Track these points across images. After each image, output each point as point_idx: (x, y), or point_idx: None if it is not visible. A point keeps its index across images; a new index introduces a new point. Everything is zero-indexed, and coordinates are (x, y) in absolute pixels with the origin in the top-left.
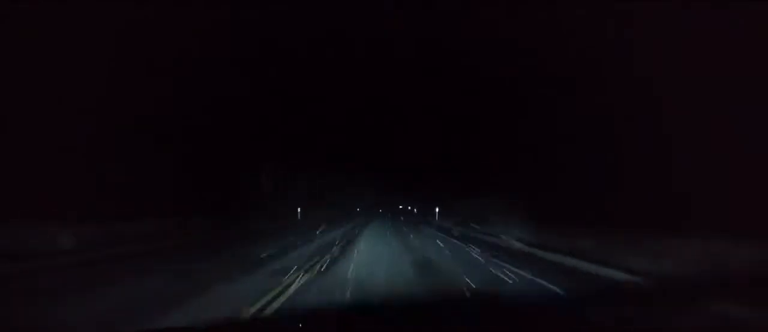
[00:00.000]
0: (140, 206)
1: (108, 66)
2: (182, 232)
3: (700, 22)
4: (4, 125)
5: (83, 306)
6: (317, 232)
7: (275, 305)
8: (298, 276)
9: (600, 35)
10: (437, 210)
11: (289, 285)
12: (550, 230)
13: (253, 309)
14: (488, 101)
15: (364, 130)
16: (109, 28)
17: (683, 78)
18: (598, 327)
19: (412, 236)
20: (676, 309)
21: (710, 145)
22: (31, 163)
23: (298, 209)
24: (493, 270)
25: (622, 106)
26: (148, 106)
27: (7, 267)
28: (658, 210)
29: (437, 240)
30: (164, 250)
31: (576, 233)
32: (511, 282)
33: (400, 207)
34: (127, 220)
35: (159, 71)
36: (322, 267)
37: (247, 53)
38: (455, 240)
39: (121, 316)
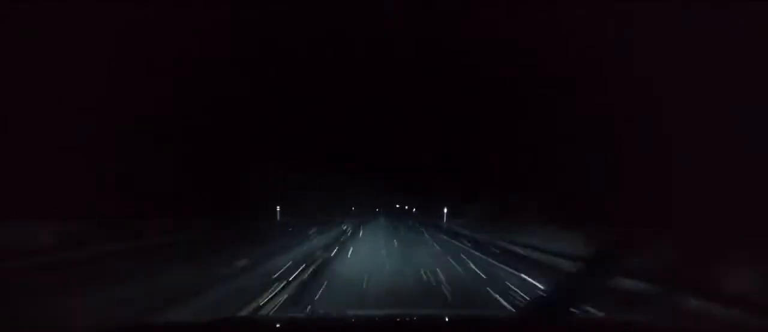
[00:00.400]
0: (140, 206)
1: (108, 66)
2: None
3: (700, 22)
4: (4, 125)
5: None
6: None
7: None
8: None
9: (600, 35)
10: (446, 211)
11: None
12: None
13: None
14: (488, 101)
15: (364, 130)
16: (109, 28)
17: (683, 78)
18: None
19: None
20: None
21: (710, 145)
22: (31, 162)
23: (278, 208)
24: None
25: (622, 106)
26: (148, 106)
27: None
28: (658, 209)
29: (473, 266)
30: None
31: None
32: None
33: (397, 206)
34: (126, 219)
35: (159, 71)
36: None
37: (247, 53)
38: (498, 263)
39: None
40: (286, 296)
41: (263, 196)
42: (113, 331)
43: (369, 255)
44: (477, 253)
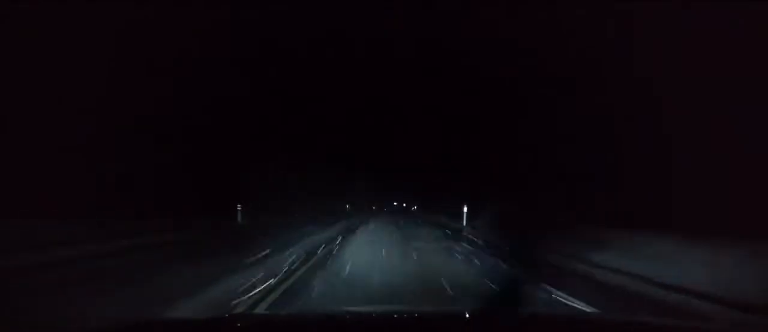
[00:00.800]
0: (140, 206)
1: (108, 66)
2: None
3: (700, 22)
4: (4, 125)
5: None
6: None
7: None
8: None
9: (600, 35)
10: (466, 210)
11: None
12: None
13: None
14: (488, 101)
15: (364, 130)
16: (109, 28)
17: (683, 78)
18: None
19: None
20: None
21: (710, 145)
22: (31, 162)
23: (238, 206)
24: None
25: (622, 106)
26: (148, 106)
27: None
28: (658, 210)
29: None
30: None
31: None
32: None
33: (396, 203)
34: (126, 220)
35: (159, 71)
36: None
37: (247, 53)
38: None
39: None
40: None
41: (263, 196)
42: (111, 330)
43: None
44: None
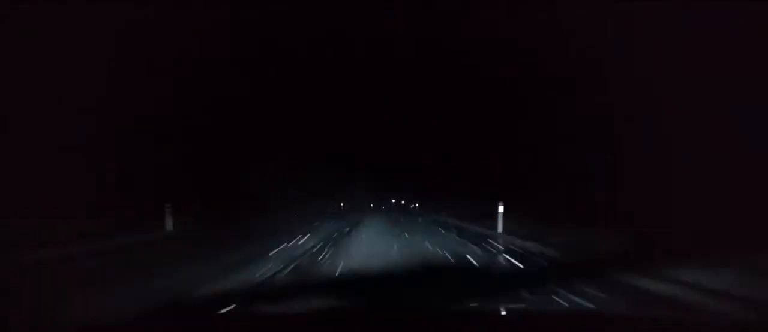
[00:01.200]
0: (140, 206)
1: (108, 66)
2: None
3: (700, 22)
4: (4, 125)
5: None
6: None
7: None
8: None
9: (600, 35)
10: (501, 210)
11: None
12: None
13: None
14: (488, 101)
15: (364, 130)
16: (109, 28)
17: (683, 78)
18: None
19: None
20: None
21: (710, 145)
22: (31, 162)
23: (167, 206)
24: None
25: (622, 106)
26: (148, 106)
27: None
28: (658, 209)
29: None
30: None
31: None
32: None
33: (393, 201)
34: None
35: (159, 71)
36: None
37: (247, 53)
38: None
39: None
40: None
41: (264, 196)
42: (113, 328)
43: None
44: None
